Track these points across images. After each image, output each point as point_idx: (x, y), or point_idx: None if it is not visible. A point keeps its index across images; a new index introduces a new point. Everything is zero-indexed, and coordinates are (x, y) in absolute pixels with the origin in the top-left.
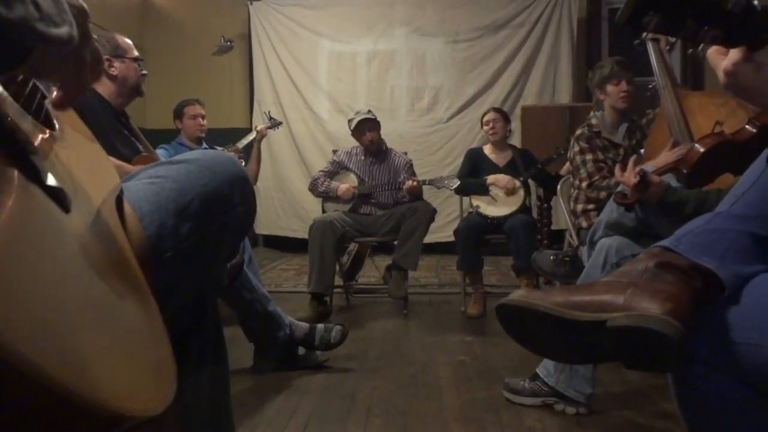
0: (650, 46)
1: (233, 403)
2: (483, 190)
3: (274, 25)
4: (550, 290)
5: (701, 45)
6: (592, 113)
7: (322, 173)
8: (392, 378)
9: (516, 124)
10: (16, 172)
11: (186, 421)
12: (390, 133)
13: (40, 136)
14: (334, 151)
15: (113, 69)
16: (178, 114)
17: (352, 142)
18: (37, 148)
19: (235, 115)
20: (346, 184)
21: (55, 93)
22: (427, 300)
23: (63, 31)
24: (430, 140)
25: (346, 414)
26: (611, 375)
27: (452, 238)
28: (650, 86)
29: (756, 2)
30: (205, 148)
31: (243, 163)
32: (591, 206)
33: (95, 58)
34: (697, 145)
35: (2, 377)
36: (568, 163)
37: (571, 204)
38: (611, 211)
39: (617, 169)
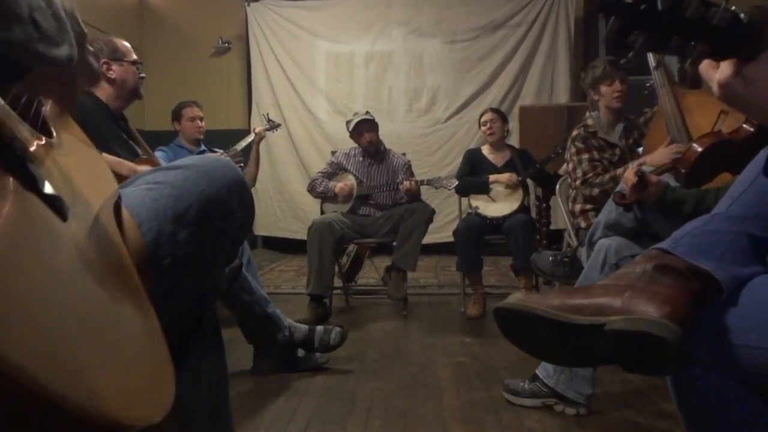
0: None
1: (233, 405)
2: (483, 188)
3: (272, 27)
4: (548, 293)
5: (689, 60)
6: (587, 113)
7: (320, 174)
8: (392, 379)
9: (514, 124)
10: (12, 180)
11: (185, 424)
12: (388, 134)
13: (37, 143)
14: (333, 152)
15: (111, 72)
16: (176, 116)
17: (351, 143)
18: (34, 155)
19: (233, 116)
20: (343, 182)
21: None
22: (427, 301)
23: (62, 51)
24: (429, 141)
25: (346, 415)
26: (611, 375)
27: (451, 239)
28: (648, 84)
29: (742, 15)
30: (204, 150)
31: (242, 166)
32: (589, 206)
33: (89, 71)
34: (695, 144)
35: None
36: (566, 164)
37: (570, 204)
38: (610, 211)
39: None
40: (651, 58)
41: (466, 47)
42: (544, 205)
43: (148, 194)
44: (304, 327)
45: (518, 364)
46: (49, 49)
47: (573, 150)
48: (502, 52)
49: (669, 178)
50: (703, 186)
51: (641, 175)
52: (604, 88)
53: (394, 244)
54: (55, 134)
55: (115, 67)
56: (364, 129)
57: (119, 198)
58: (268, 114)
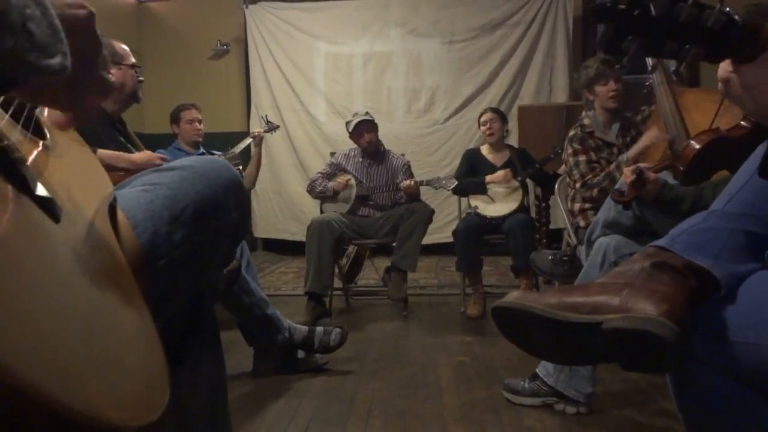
0: None
1: (233, 407)
2: (481, 189)
3: (270, 29)
4: (545, 292)
5: (683, 64)
6: (584, 113)
7: (320, 175)
8: (392, 379)
9: (513, 124)
10: (3, 183)
11: (183, 426)
12: (387, 135)
13: (30, 145)
14: (332, 153)
15: (110, 76)
16: (175, 118)
17: (350, 144)
18: (27, 157)
19: (232, 118)
20: (340, 177)
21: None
22: (427, 301)
23: (55, 61)
24: (428, 141)
25: (346, 416)
26: (611, 374)
27: (451, 239)
28: (647, 83)
29: (736, 17)
30: (203, 153)
31: (240, 168)
32: (588, 205)
33: (100, 87)
34: (693, 141)
35: None
36: (564, 164)
37: (569, 203)
38: (609, 209)
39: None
40: (648, 58)
41: (465, 47)
42: (544, 204)
43: (144, 195)
44: (304, 328)
45: (518, 363)
46: (41, 60)
47: (570, 150)
48: (500, 52)
49: (667, 176)
50: (701, 183)
51: (639, 173)
52: (599, 88)
53: (394, 244)
54: (48, 136)
55: (113, 70)
56: (364, 129)
57: (114, 199)
58: (266, 116)
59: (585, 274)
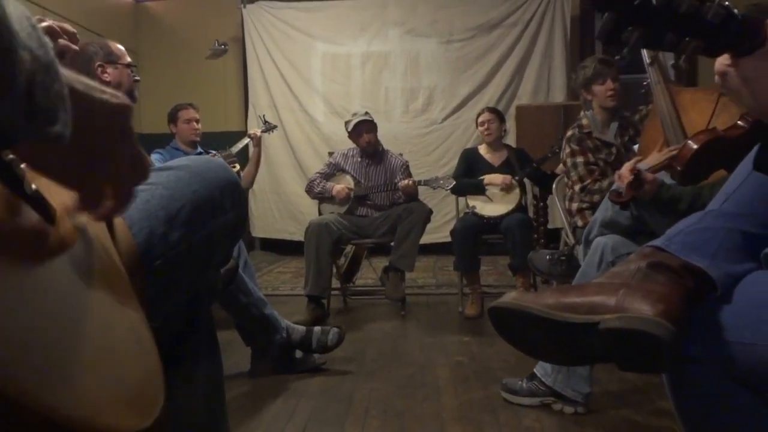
0: None
1: (230, 407)
2: (479, 190)
3: (268, 28)
4: (542, 292)
5: (683, 56)
6: (582, 113)
7: (318, 175)
8: (390, 379)
9: (511, 124)
10: None
11: (180, 426)
12: (385, 135)
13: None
14: (330, 153)
15: (106, 75)
16: (173, 118)
17: (348, 144)
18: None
19: (229, 118)
20: (341, 185)
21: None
22: (425, 301)
23: (54, 130)
24: (426, 141)
25: (344, 416)
26: (609, 374)
27: (449, 239)
28: (644, 83)
29: (736, 10)
30: (200, 153)
31: (237, 168)
32: (586, 205)
33: (135, 166)
34: (690, 141)
35: None
36: (562, 164)
37: (567, 203)
38: (606, 209)
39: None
40: (645, 56)
41: (462, 47)
42: (541, 204)
43: (140, 195)
44: (302, 328)
45: (516, 363)
46: (38, 126)
47: (568, 150)
48: (498, 52)
49: (664, 176)
50: (699, 183)
51: (637, 173)
52: (596, 88)
53: (392, 244)
54: None
55: (109, 70)
56: (364, 129)
57: None
58: (264, 115)
59: (582, 274)
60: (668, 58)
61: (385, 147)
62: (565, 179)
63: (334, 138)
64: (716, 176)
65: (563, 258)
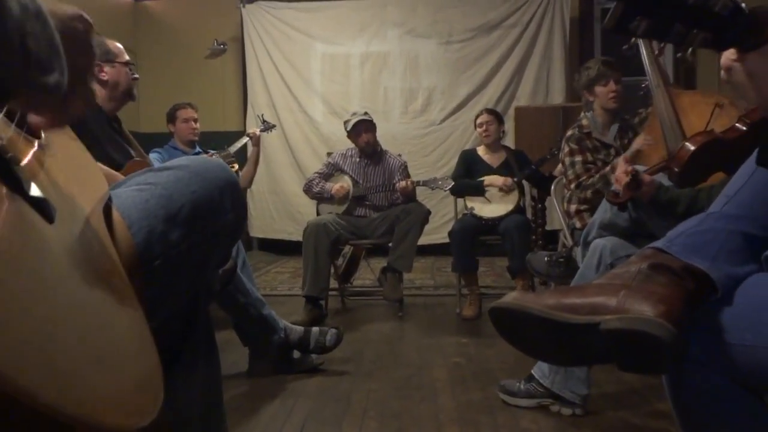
0: (642, 46)
1: (228, 407)
2: (478, 191)
3: (267, 28)
4: (543, 293)
5: (690, 49)
6: (582, 114)
7: (317, 175)
8: (387, 380)
9: (509, 125)
10: None
11: (179, 426)
12: (384, 135)
13: (25, 145)
14: (329, 153)
15: (104, 74)
16: (171, 117)
17: (347, 144)
18: (20, 157)
19: (228, 118)
20: (339, 184)
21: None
22: (422, 302)
23: (51, 79)
24: (424, 142)
25: (342, 417)
26: (607, 375)
27: (447, 240)
28: (643, 85)
29: (743, 5)
30: (199, 152)
31: (236, 167)
32: (584, 207)
33: (86, 97)
34: (688, 143)
35: None
36: (560, 164)
37: (565, 205)
38: (605, 211)
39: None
40: (645, 58)
41: (462, 48)
42: (540, 205)
43: (139, 195)
44: (300, 328)
45: (514, 364)
46: (36, 76)
47: (566, 150)
48: (497, 53)
49: (663, 178)
50: (697, 186)
51: (634, 175)
52: (599, 89)
53: (390, 245)
54: (43, 135)
55: (107, 68)
56: (363, 129)
57: (109, 199)
58: (262, 115)
59: (581, 276)
60: (668, 62)
61: (384, 147)
62: (564, 180)
63: (333, 138)
64: (714, 179)
65: (561, 260)
